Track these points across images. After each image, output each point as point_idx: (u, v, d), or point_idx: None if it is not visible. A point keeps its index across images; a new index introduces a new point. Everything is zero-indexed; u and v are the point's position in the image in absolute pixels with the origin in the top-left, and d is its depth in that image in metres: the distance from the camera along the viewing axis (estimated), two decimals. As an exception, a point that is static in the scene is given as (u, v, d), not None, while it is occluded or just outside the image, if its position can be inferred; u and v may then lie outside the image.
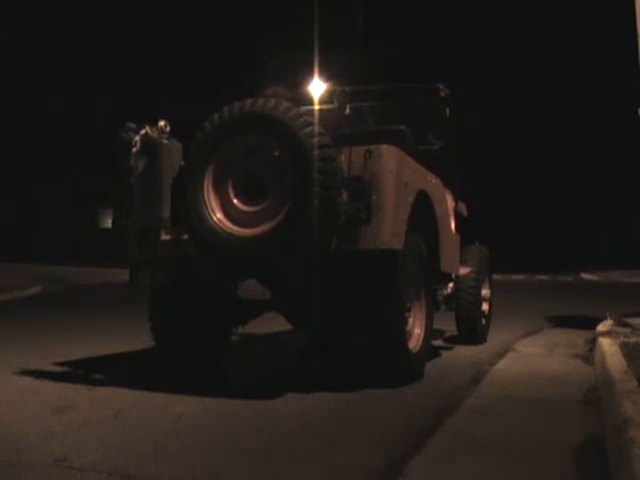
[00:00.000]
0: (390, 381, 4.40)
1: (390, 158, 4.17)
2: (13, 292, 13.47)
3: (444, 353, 6.09)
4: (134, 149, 4.47)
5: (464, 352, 6.07)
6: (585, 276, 23.50)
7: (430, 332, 4.90)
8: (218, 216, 4.05)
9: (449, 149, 5.96)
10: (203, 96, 33.64)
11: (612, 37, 24.35)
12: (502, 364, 5.39)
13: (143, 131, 4.48)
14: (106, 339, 7.04)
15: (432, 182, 5.08)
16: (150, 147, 4.43)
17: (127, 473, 2.75)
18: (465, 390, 4.34)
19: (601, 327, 6.62)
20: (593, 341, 5.98)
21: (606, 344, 5.21)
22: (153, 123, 4.55)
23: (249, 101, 4.12)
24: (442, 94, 6.17)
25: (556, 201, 36.55)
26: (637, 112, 6.99)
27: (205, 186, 4.08)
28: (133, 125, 4.56)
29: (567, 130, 34.70)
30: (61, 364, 5.38)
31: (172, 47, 34.36)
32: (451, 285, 6.07)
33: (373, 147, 4.12)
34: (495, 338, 6.88)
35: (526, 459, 2.95)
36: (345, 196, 3.98)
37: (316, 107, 5.65)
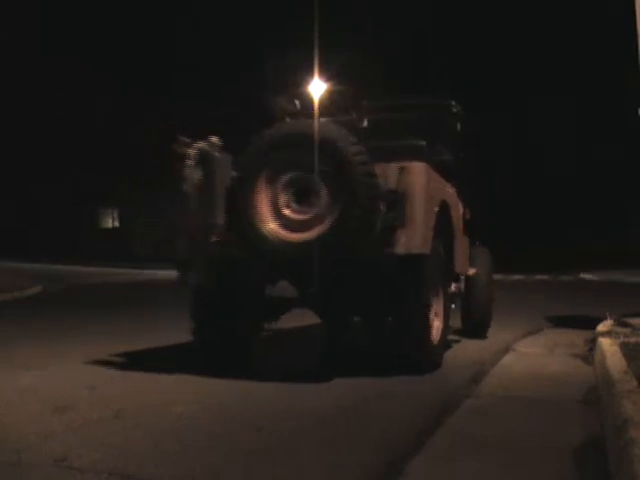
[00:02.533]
0: (412, 371, 4.79)
1: (421, 174, 4.71)
2: (13, 292, 13.46)
3: (444, 353, 6.09)
4: (189, 161, 4.82)
5: (464, 352, 6.07)
6: (585, 276, 23.49)
7: (447, 326, 5.39)
8: (269, 222, 4.53)
9: (459, 159, 6.35)
10: (203, 96, 33.66)
11: (612, 37, 24.36)
12: (502, 364, 5.39)
13: (198, 145, 4.88)
14: (106, 339, 7.04)
15: (449, 192, 5.62)
16: (204, 159, 4.83)
17: (127, 473, 2.75)
18: (465, 390, 4.34)
19: (601, 327, 6.62)
20: (593, 341, 5.98)
21: (606, 344, 5.22)
22: (205, 138, 4.97)
23: (300, 121, 4.83)
24: (454, 109, 6.66)
25: (556, 201, 36.55)
26: (637, 112, 6.99)
27: (257, 196, 4.55)
28: (187, 139, 4.94)
29: (567, 130, 34.70)
30: (61, 364, 5.38)
31: (172, 47, 34.36)
32: (455, 284, 6.25)
33: (407, 164, 4.66)
34: (495, 338, 6.88)
35: (526, 459, 2.95)
36: (382, 207, 4.48)
37: (338, 120, 5.71)
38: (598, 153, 33.91)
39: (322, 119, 4.68)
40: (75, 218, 35.56)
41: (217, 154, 4.88)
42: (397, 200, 4.53)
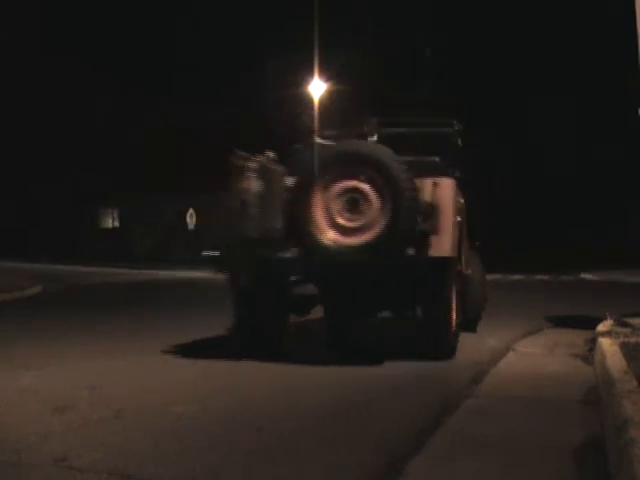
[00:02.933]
0: (434, 355, 5.47)
1: (450, 188, 5.45)
2: (13, 292, 13.46)
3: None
4: (249, 174, 5.36)
5: (464, 352, 6.07)
6: (585, 276, 23.49)
7: (459, 318, 6.11)
8: (324, 229, 5.21)
9: (462, 172, 6.79)
10: (203, 96, 33.68)
11: (612, 37, 24.36)
12: (502, 364, 5.39)
13: (258, 159, 5.43)
14: (106, 339, 7.04)
15: (462, 202, 6.34)
16: (264, 172, 5.38)
17: (127, 473, 2.75)
18: (465, 390, 4.34)
19: (601, 327, 6.62)
20: (593, 341, 5.98)
21: (606, 344, 5.21)
22: (262, 153, 5.55)
23: (352, 142, 5.60)
24: (456, 127, 7.22)
25: (556, 201, 36.57)
26: (637, 112, 6.99)
27: (313, 205, 5.22)
28: (244, 153, 5.50)
29: (567, 130, 34.72)
30: (61, 364, 5.38)
31: (172, 47, 34.38)
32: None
33: (439, 179, 5.36)
34: (495, 338, 6.88)
35: (526, 459, 2.95)
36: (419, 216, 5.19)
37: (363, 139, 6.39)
38: (598, 153, 33.93)
39: (384, 146, 5.43)
40: (75, 218, 35.58)
41: (276, 167, 5.48)
42: (432, 211, 5.23)
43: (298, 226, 5.22)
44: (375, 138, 6.42)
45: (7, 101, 31.22)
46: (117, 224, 43.06)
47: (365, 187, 5.20)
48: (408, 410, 3.88)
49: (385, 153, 5.28)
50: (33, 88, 32.03)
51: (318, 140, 5.84)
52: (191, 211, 33.98)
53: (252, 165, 5.40)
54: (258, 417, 3.67)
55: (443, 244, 5.26)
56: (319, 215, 5.21)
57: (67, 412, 3.74)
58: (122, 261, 29.05)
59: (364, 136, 6.41)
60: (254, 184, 5.34)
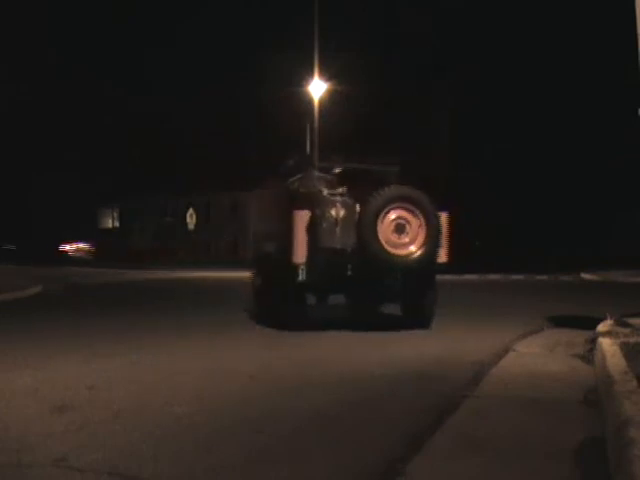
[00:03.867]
0: (420, 327, 7.89)
1: (446, 217, 8.01)
2: (14, 292, 13.48)
3: (444, 353, 6.10)
4: (337, 204, 7.67)
5: (464, 352, 6.07)
6: (585, 276, 23.49)
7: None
8: (384, 244, 7.47)
9: None
10: (203, 96, 33.66)
11: (612, 37, 24.35)
12: (502, 364, 5.39)
13: (342, 199, 7.78)
14: (106, 339, 7.04)
15: None
16: (345, 203, 7.69)
17: (127, 473, 2.75)
18: (465, 390, 4.34)
19: (601, 327, 6.62)
20: (593, 341, 5.97)
21: (606, 344, 5.21)
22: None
23: (401, 187, 7.78)
24: (399, 167, 9.00)
25: (556, 201, 36.55)
26: (637, 112, 6.98)
27: (378, 227, 7.46)
28: (328, 191, 8.06)
29: (567, 130, 34.71)
30: (61, 364, 5.38)
31: (172, 47, 34.39)
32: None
33: (440, 212, 7.80)
34: (495, 338, 6.88)
35: (526, 459, 2.95)
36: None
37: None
38: (598, 153, 33.91)
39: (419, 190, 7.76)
40: (75, 218, 35.59)
41: (351, 200, 7.71)
42: (440, 233, 7.72)
43: (365, 242, 7.44)
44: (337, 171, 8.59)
45: (7, 101, 31.23)
46: (117, 224, 43.08)
47: (408, 216, 7.61)
48: (408, 410, 3.88)
49: (421, 194, 7.69)
50: (33, 88, 32.03)
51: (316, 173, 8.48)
52: (191, 211, 33.99)
53: (338, 198, 7.78)
54: (258, 418, 3.67)
55: (445, 254, 8.05)
56: (380, 235, 7.47)
57: (67, 412, 3.74)
58: (122, 261, 29.04)
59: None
60: (341, 211, 7.58)
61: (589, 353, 5.69)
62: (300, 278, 7.60)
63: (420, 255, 7.51)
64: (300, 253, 7.57)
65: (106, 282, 19.57)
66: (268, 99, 32.98)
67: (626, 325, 6.59)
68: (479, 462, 2.89)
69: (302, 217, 7.58)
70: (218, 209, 43.99)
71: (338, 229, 7.49)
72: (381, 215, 7.46)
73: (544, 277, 23.22)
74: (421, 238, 7.53)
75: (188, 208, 34.07)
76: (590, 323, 7.17)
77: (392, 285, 7.98)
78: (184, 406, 3.91)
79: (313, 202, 7.68)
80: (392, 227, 7.50)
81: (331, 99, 30.31)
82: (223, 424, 3.57)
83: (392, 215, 7.52)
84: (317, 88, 29.92)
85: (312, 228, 7.52)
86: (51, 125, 33.12)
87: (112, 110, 33.57)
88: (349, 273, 7.70)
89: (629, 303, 9.56)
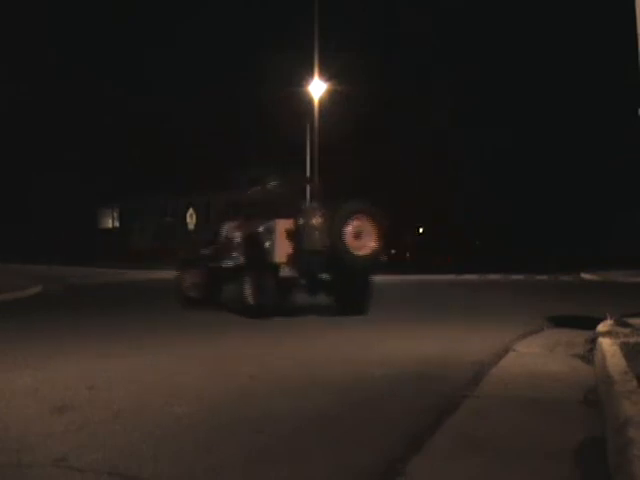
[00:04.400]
0: (360, 313, 9.59)
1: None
2: (14, 292, 13.48)
3: (444, 353, 6.09)
4: (318, 215, 9.53)
5: (464, 352, 6.07)
6: (585, 276, 23.49)
7: None
8: (347, 245, 9.26)
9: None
10: (203, 97, 33.65)
11: (612, 37, 24.35)
12: (502, 364, 5.39)
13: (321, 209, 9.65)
14: (106, 339, 7.04)
15: None
16: (324, 213, 9.53)
17: (127, 473, 2.75)
18: (465, 390, 4.34)
19: (601, 327, 6.62)
20: (593, 341, 5.98)
21: (606, 344, 5.21)
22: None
23: (360, 203, 9.74)
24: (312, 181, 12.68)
25: (556, 201, 36.56)
26: (637, 112, 6.98)
27: (344, 233, 9.24)
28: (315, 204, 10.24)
29: (567, 130, 34.71)
30: (61, 364, 5.38)
31: (172, 47, 34.40)
32: None
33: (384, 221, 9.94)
34: (495, 338, 6.88)
35: (526, 459, 2.95)
36: None
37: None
38: (598, 153, 33.91)
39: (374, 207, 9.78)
40: (75, 218, 35.61)
41: (324, 211, 9.55)
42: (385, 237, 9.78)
43: (335, 244, 9.22)
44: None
45: (7, 101, 31.22)
46: (117, 224, 43.06)
47: (363, 224, 9.45)
48: (408, 410, 3.88)
49: (373, 208, 9.69)
50: (33, 88, 32.03)
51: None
52: (191, 211, 33.97)
53: (319, 211, 9.57)
54: (258, 418, 3.67)
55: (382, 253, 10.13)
56: (345, 238, 9.25)
57: (67, 412, 3.74)
58: (122, 261, 29.04)
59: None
60: (318, 220, 9.39)
61: (589, 353, 5.69)
62: (281, 274, 9.28)
63: (372, 254, 9.46)
64: (282, 253, 9.28)
65: (106, 282, 19.57)
66: (268, 99, 32.99)
67: (626, 325, 6.59)
68: (479, 462, 2.89)
69: (283, 224, 9.38)
70: (218, 209, 43.92)
71: (317, 234, 9.35)
72: (346, 223, 9.30)
73: (544, 277, 23.21)
74: (372, 242, 9.43)
75: (188, 208, 34.04)
76: (590, 323, 7.17)
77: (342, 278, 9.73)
78: (184, 406, 3.91)
79: (297, 212, 9.55)
80: (352, 233, 9.31)
81: (331, 99, 30.31)
82: (223, 424, 3.57)
83: (353, 223, 9.36)
84: (317, 88, 29.92)
85: (297, 233, 9.35)
86: (51, 125, 33.11)
87: (112, 110, 33.57)
88: (324, 270, 9.57)
89: (629, 303, 9.57)
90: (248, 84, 34.33)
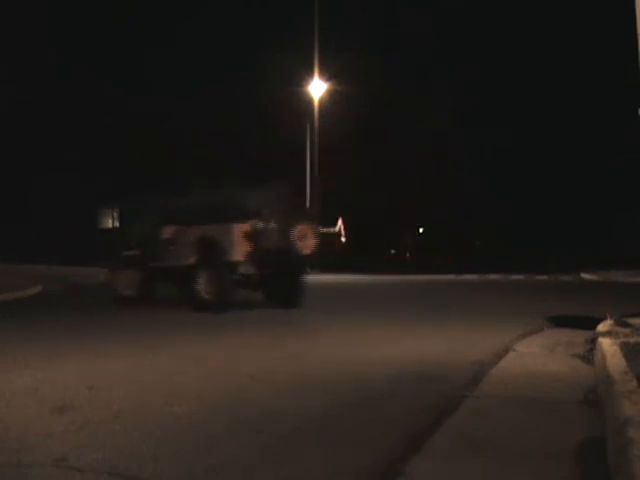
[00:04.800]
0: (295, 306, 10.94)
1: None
2: (14, 292, 13.48)
3: (444, 353, 6.09)
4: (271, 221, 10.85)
5: (464, 352, 6.08)
6: (585, 276, 23.49)
7: None
8: (297, 246, 10.75)
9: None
10: (203, 96, 33.62)
11: (612, 37, 24.35)
12: (502, 364, 5.38)
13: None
14: (106, 339, 7.04)
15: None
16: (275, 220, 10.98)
17: (127, 473, 2.75)
18: (465, 390, 4.34)
19: (601, 327, 6.62)
20: (593, 341, 5.98)
21: (606, 344, 5.21)
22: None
23: (304, 213, 12.27)
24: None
25: (556, 201, 36.54)
26: (637, 112, 6.97)
27: (294, 235, 10.83)
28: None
29: (567, 130, 34.71)
30: (61, 364, 5.38)
31: (172, 47, 34.39)
32: None
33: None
34: (495, 338, 6.88)
35: (526, 459, 2.95)
36: None
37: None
38: (598, 153, 33.90)
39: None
40: (75, 218, 35.60)
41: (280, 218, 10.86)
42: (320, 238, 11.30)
43: (287, 245, 10.62)
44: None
45: (7, 101, 31.22)
46: (117, 224, 42.95)
47: (306, 229, 10.79)
48: (408, 410, 3.88)
49: (313, 218, 11.54)
50: (33, 88, 32.01)
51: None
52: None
53: (273, 216, 10.80)
54: (258, 418, 3.67)
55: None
56: (295, 240, 10.64)
57: (67, 412, 3.74)
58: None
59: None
60: (275, 225, 10.68)
61: (589, 353, 5.69)
62: (241, 270, 10.56)
63: (312, 253, 10.92)
64: (240, 252, 10.43)
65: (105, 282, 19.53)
66: (268, 99, 32.99)
67: (626, 325, 6.59)
68: (479, 462, 2.89)
69: (241, 227, 10.45)
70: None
71: (274, 236, 10.65)
72: (294, 227, 10.68)
73: (544, 277, 23.22)
74: (312, 243, 10.87)
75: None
76: (590, 323, 7.17)
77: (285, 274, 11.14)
78: (184, 406, 3.91)
79: (251, 216, 10.61)
80: (299, 236, 10.69)
81: (331, 99, 30.31)
82: (223, 424, 3.56)
83: (299, 228, 10.74)
84: (317, 88, 29.91)
85: (254, 235, 10.42)
86: (51, 125, 33.09)
87: (112, 110, 33.57)
88: (276, 267, 10.82)
89: (629, 303, 9.57)
90: (248, 84, 34.35)
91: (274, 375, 5.02)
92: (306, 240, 10.78)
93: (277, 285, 11.26)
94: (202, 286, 10.45)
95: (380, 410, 3.92)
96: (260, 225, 10.60)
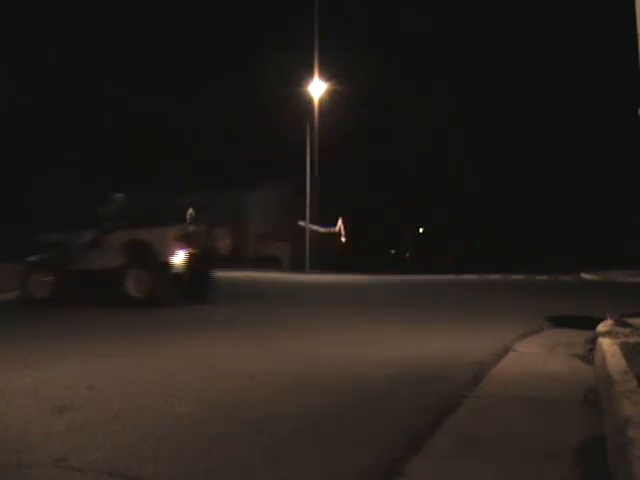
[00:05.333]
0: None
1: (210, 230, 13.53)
2: (15, 292, 13.45)
3: (444, 353, 6.09)
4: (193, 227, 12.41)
5: (464, 352, 6.07)
6: (585, 276, 23.49)
7: None
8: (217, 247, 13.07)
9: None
10: (203, 96, 33.57)
11: (612, 37, 24.33)
12: (502, 364, 5.38)
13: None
14: (106, 339, 7.04)
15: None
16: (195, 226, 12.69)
17: (127, 473, 2.75)
18: (465, 390, 4.34)
19: (601, 327, 6.62)
20: (593, 341, 5.98)
21: (606, 344, 5.21)
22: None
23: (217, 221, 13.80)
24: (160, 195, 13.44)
25: (556, 201, 36.53)
26: (637, 112, 6.97)
27: (209, 240, 12.83)
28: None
29: (567, 130, 34.70)
30: (61, 364, 5.38)
31: (172, 47, 34.40)
32: None
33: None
34: (495, 338, 6.88)
35: (526, 459, 2.95)
36: None
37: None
38: (598, 153, 33.90)
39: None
40: (75, 218, 35.59)
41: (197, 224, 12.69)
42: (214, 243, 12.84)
43: (213, 246, 12.48)
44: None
45: (7, 101, 31.19)
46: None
47: (221, 233, 12.37)
48: (408, 410, 3.87)
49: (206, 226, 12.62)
50: (33, 88, 32.00)
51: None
52: (191, 210, 33.95)
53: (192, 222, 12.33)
54: (258, 418, 3.67)
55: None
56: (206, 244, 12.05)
57: (67, 412, 3.74)
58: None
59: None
60: (202, 229, 12.25)
61: (589, 353, 5.69)
62: (174, 270, 11.47)
63: (209, 254, 12.13)
64: (172, 253, 11.51)
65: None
66: (268, 99, 33.00)
67: (626, 325, 6.59)
68: (479, 462, 2.89)
69: (173, 230, 11.65)
70: (218, 209, 43.91)
71: (202, 238, 12.06)
72: (213, 230, 12.35)
73: (544, 277, 23.21)
74: (227, 244, 12.59)
75: (188, 208, 34.03)
76: (590, 323, 7.17)
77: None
78: (184, 406, 3.91)
79: (184, 223, 12.02)
80: (217, 237, 12.40)
81: (331, 99, 30.30)
82: (223, 424, 3.56)
83: (216, 229, 12.55)
84: (317, 88, 29.90)
85: (185, 237, 11.65)
86: (51, 125, 33.09)
87: (112, 110, 33.58)
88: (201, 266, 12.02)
89: (629, 303, 9.57)
90: (248, 84, 34.33)
91: (274, 375, 5.02)
92: (223, 241, 12.48)
93: (197, 283, 12.16)
94: (132, 286, 11.28)
95: (380, 410, 3.92)
96: (191, 228, 11.91)
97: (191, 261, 11.67)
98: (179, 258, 11.51)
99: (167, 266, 11.41)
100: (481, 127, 35.05)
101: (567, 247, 34.56)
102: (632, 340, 5.44)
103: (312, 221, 33.36)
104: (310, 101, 30.05)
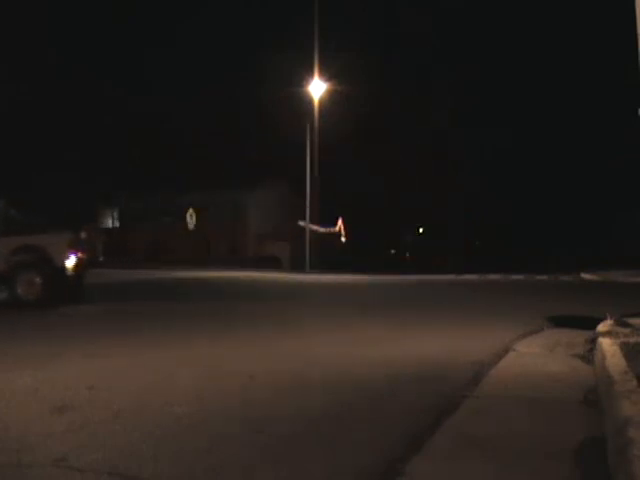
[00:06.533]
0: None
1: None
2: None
3: (444, 353, 6.09)
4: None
5: (464, 352, 6.07)
6: (585, 276, 23.50)
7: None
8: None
9: None
10: (203, 96, 33.56)
11: (612, 37, 24.33)
12: (502, 364, 5.38)
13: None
14: (106, 339, 7.04)
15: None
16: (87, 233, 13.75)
17: (127, 473, 2.75)
18: (465, 390, 4.34)
19: (601, 327, 6.62)
20: (593, 341, 5.98)
21: (606, 344, 5.21)
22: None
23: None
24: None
25: (556, 201, 36.53)
26: (637, 112, 6.97)
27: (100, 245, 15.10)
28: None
29: (567, 130, 34.70)
30: (61, 364, 5.38)
31: (172, 47, 34.40)
32: None
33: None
34: (495, 338, 6.88)
35: (526, 459, 2.95)
36: None
37: None
38: (598, 153, 33.90)
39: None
40: (75, 218, 35.60)
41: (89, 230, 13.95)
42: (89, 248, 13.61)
43: (97, 251, 13.96)
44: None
45: (7, 101, 31.20)
46: (117, 224, 43.03)
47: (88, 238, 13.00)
48: (408, 410, 3.87)
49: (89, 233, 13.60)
50: (33, 88, 32.00)
51: None
52: (191, 211, 33.95)
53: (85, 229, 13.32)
54: (258, 418, 3.67)
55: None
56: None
57: (67, 412, 3.74)
58: (122, 261, 29.04)
59: None
60: (90, 235, 13.18)
61: (589, 353, 5.69)
62: (66, 273, 11.92)
63: (88, 258, 12.84)
64: (65, 258, 11.91)
65: (105, 282, 19.54)
66: (268, 99, 33.00)
67: (626, 325, 6.59)
68: (479, 462, 2.89)
69: (66, 236, 12.15)
70: (218, 209, 44.01)
71: (92, 244, 13.26)
72: (86, 235, 12.88)
73: (544, 277, 23.21)
74: (98, 249, 13.79)
75: (188, 208, 34.02)
76: (590, 323, 7.17)
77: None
78: (184, 406, 3.90)
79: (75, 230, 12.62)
80: (91, 241, 13.26)
81: (331, 99, 30.30)
82: (223, 424, 3.56)
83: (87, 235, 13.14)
84: (317, 88, 29.90)
85: (78, 243, 12.28)
86: (51, 125, 33.11)
87: (112, 110, 33.60)
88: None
89: (629, 303, 9.57)
90: (248, 84, 34.34)
91: (274, 375, 5.02)
92: (94, 245, 13.65)
93: (77, 284, 12.87)
94: (23, 289, 11.67)
95: (380, 410, 3.92)
96: (82, 234, 12.84)
97: (79, 265, 12.29)
98: (71, 262, 12.05)
99: (61, 270, 11.88)
100: (481, 127, 35.09)
101: (567, 247, 34.57)
102: (632, 340, 5.44)
103: (312, 221, 33.37)
104: (310, 101, 30.07)
